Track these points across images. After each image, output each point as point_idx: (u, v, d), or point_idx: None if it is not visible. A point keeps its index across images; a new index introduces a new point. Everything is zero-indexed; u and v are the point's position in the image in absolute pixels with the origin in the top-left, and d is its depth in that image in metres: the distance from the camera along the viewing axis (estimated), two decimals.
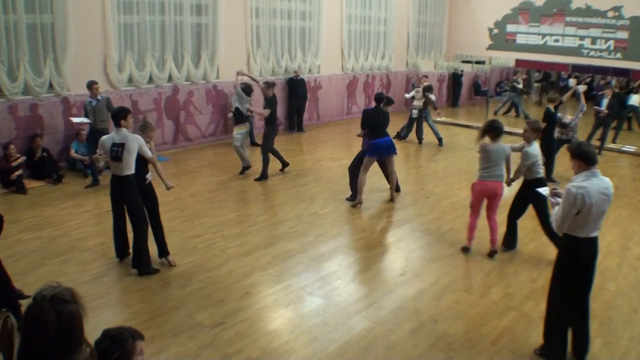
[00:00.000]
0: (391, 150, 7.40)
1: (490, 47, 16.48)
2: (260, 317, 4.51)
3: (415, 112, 11.31)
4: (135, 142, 5.02)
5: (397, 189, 7.88)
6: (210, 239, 6.12)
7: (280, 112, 11.75)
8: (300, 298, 4.83)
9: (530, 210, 5.93)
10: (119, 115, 5.09)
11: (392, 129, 12.02)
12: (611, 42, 14.21)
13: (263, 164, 8.46)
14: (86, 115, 8.07)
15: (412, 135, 11.67)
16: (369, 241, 6.28)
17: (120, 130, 5.04)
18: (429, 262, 5.67)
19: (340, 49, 13.84)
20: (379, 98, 7.40)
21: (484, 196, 5.69)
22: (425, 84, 11.36)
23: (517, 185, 5.95)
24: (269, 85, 8.37)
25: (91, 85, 7.95)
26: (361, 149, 7.68)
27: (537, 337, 4.17)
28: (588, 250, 3.74)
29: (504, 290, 5.06)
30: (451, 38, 17.56)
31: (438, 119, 13.24)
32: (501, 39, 16.25)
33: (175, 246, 5.73)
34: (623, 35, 14.01)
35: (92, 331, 2.03)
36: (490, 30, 16.40)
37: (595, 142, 10.60)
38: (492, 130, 5.61)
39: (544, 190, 4.49)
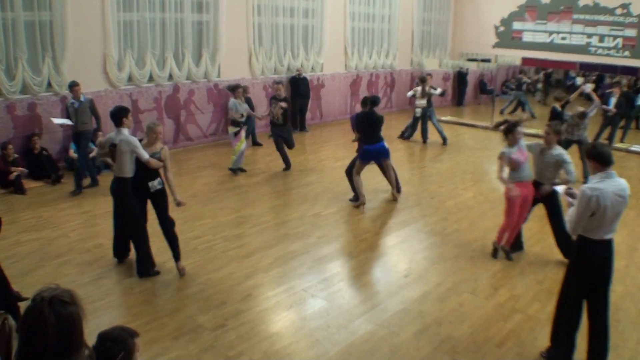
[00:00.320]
0: (382, 155, 7.31)
1: (496, 45, 16.32)
2: (262, 319, 4.46)
3: (418, 112, 11.24)
4: (127, 145, 4.89)
5: (398, 189, 7.81)
6: (211, 240, 6.06)
7: None
8: (302, 300, 4.77)
9: (535, 211, 5.85)
10: (120, 115, 5.02)
11: (396, 129, 12.07)
12: (619, 40, 14.02)
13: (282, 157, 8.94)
14: (68, 117, 7.85)
15: (417, 134, 11.58)
16: (373, 242, 6.21)
17: (120, 131, 4.99)
18: (433, 264, 5.60)
19: (343, 47, 13.72)
20: (364, 102, 7.31)
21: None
22: (420, 77, 11.40)
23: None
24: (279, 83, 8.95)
25: (72, 86, 7.73)
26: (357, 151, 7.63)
27: (543, 340, 4.10)
28: (601, 253, 3.65)
29: (510, 292, 4.98)
30: (456, 36, 17.38)
31: (443, 118, 13.13)
32: (507, 37, 16.09)
33: None
34: (631, 32, 13.82)
35: (92, 333, 2.01)
36: (496, 27, 16.24)
37: (603, 142, 10.49)
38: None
39: (559, 188, 4.41)
